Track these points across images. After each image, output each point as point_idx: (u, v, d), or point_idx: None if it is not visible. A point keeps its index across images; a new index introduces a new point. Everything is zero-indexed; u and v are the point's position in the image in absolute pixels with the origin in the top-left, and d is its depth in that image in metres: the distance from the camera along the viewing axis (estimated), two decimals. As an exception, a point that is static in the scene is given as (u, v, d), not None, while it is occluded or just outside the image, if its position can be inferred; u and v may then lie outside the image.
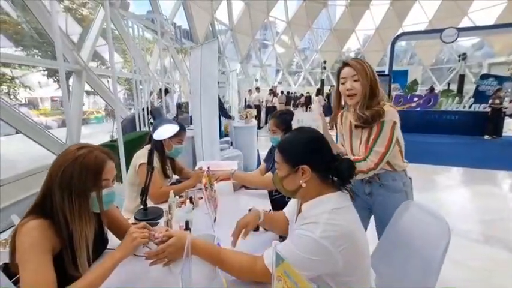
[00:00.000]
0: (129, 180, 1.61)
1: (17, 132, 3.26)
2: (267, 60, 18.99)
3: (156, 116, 1.20)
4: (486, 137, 6.84)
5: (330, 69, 18.77)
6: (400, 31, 16.86)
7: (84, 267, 0.86)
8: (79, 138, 3.97)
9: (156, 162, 1.59)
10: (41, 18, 3.55)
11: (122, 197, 2.28)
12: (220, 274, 0.88)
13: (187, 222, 1.13)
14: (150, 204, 1.43)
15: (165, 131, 1.23)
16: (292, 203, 1.14)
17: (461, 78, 10.06)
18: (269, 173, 1.66)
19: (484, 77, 7.79)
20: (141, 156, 1.55)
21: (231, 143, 5.22)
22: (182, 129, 1.63)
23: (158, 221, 1.28)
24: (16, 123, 3.14)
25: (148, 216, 1.30)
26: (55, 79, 6.70)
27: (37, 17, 3.54)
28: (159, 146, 1.61)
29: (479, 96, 7.49)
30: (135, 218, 1.31)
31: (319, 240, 0.72)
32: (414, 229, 1.04)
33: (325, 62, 15.13)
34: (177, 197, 1.42)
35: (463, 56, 10.31)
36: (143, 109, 4.21)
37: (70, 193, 0.82)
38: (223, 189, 1.64)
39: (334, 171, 0.84)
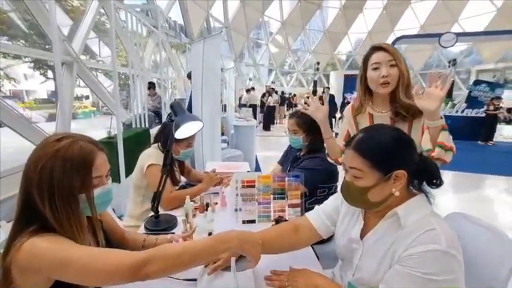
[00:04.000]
0: (135, 182, 1.45)
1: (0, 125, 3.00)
2: (260, 60, 18.85)
3: (178, 111, 1.00)
4: (479, 142, 6.99)
5: (322, 71, 18.84)
6: (391, 35, 17.15)
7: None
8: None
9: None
10: (33, 8, 3.28)
11: (119, 198, 2.10)
12: None
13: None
14: (159, 211, 1.28)
15: (187, 129, 1.09)
16: (327, 208, 0.95)
17: (451, 84, 10.26)
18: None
19: (477, 83, 7.97)
20: (149, 156, 1.40)
21: (228, 142, 5.07)
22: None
23: (173, 230, 1.14)
24: (3, 116, 2.89)
25: (161, 225, 1.16)
26: (42, 72, 6.36)
27: (28, 7, 3.26)
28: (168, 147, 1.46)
29: (472, 101, 7.66)
30: (145, 228, 1.15)
31: (449, 250, 0.58)
32: (466, 246, 0.94)
33: (318, 63, 15.14)
34: (192, 202, 1.28)
35: (453, 62, 10.51)
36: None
37: (52, 196, 0.63)
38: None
39: (423, 173, 0.71)
